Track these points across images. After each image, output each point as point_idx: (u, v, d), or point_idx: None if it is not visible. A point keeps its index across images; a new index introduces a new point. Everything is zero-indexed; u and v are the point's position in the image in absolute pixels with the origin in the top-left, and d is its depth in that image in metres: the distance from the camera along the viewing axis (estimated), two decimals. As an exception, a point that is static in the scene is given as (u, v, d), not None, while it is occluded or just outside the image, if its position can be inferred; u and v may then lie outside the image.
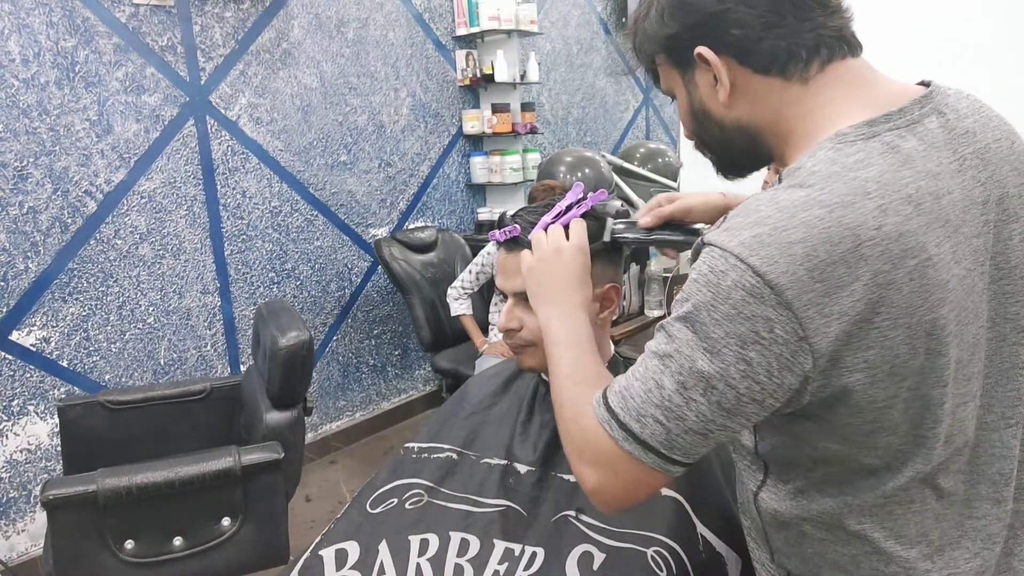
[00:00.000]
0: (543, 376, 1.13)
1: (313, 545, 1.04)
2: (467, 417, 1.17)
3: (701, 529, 0.96)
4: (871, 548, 0.72)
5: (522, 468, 1.05)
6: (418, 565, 0.95)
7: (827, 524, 0.73)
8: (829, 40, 0.69)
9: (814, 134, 0.69)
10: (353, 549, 1.00)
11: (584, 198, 1.03)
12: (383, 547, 0.99)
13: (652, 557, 0.90)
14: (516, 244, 1.02)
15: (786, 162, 0.73)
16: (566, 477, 1.02)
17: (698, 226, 0.94)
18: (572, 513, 0.97)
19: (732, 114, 0.74)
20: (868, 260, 0.60)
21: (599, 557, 0.91)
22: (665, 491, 0.96)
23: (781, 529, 0.77)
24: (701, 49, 0.71)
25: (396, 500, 1.07)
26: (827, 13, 0.69)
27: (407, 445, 1.18)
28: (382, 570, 0.96)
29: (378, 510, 1.06)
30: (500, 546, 0.96)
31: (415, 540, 0.99)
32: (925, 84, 0.71)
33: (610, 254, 1.03)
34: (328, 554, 1.00)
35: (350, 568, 0.97)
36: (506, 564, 0.93)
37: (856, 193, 0.61)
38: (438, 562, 0.95)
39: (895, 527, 0.71)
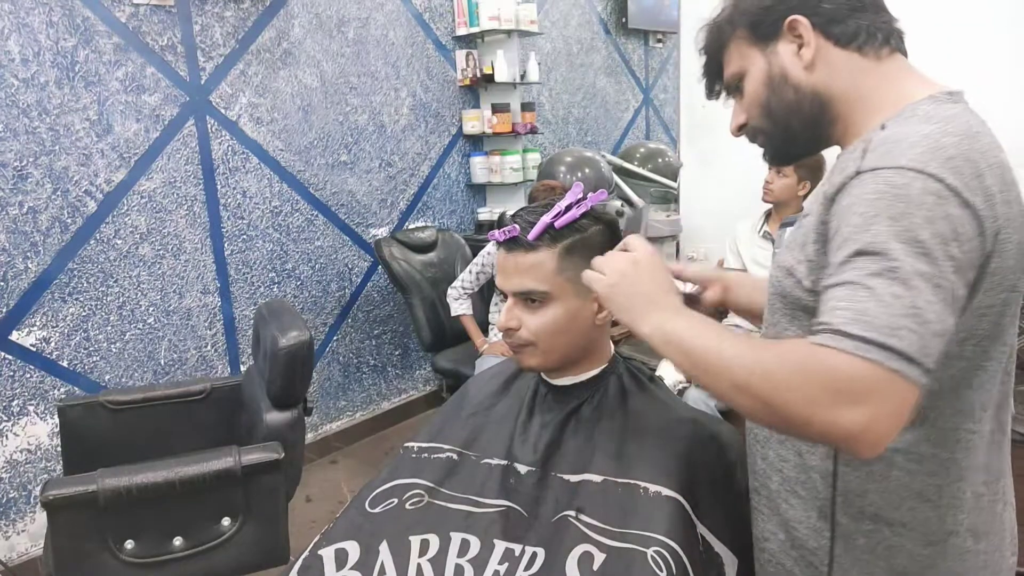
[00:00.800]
0: (543, 376, 1.13)
1: (312, 544, 1.03)
2: (468, 417, 1.17)
3: (701, 529, 0.96)
4: (957, 475, 0.78)
5: (522, 468, 1.05)
6: (419, 566, 0.95)
7: (920, 454, 0.78)
8: (896, 36, 0.82)
9: (896, 99, 0.78)
10: (353, 549, 0.99)
11: (584, 198, 1.03)
12: (383, 547, 0.98)
13: (652, 557, 0.90)
14: (516, 244, 1.02)
15: (848, 133, 0.82)
16: (566, 477, 1.02)
17: (687, 287, 1.04)
18: (572, 513, 0.97)
19: (811, 79, 0.82)
20: (997, 180, 0.70)
21: (599, 557, 0.91)
22: (665, 491, 0.96)
23: (864, 465, 0.80)
24: (796, 16, 0.80)
25: (396, 500, 1.06)
26: (892, 18, 0.83)
27: (407, 444, 1.18)
28: (383, 570, 0.95)
29: (377, 509, 1.06)
30: (500, 546, 0.95)
31: (415, 540, 0.98)
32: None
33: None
34: (328, 554, 1.00)
35: (350, 568, 0.97)
36: (506, 564, 0.93)
37: (972, 131, 0.72)
38: (439, 563, 0.95)
39: (973, 455, 0.78)
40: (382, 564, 0.96)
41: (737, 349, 0.72)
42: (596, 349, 1.09)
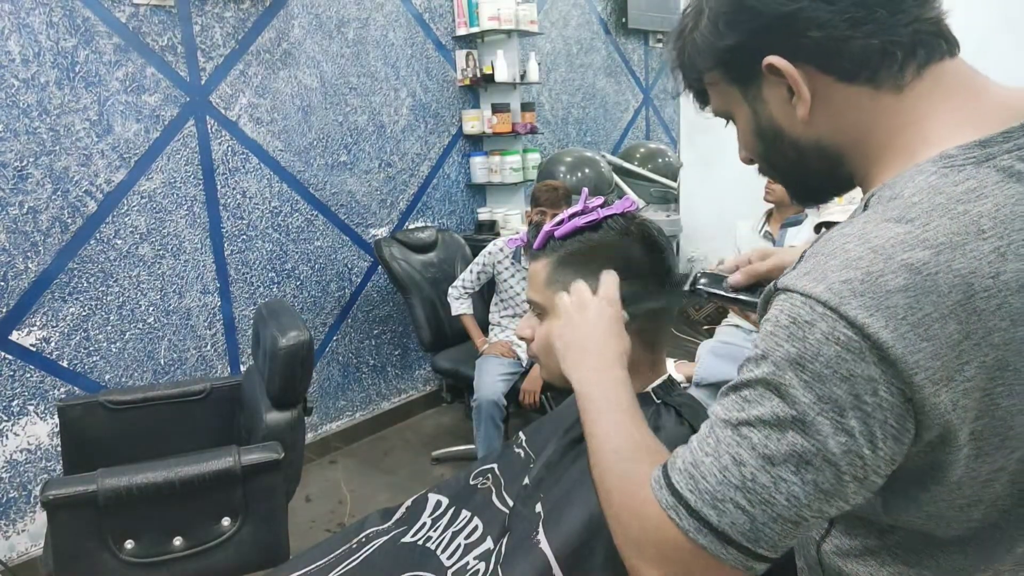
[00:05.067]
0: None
1: (428, 489, 1.20)
2: (550, 420, 1.17)
3: None
4: None
5: (526, 480, 1.04)
6: (450, 533, 1.05)
7: None
8: (927, 37, 0.59)
9: (909, 153, 0.59)
10: (444, 503, 1.13)
11: (596, 207, 0.97)
12: (450, 511, 1.11)
13: None
14: (529, 250, 1.00)
15: (870, 184, 0.63)
16: (537, 507, 0.96)
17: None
18: (506, 536, 0.95)
19: (812, 132, 0.63)
20: (983, 315, 0.51)
21: None
22: (544, 545, 0.86)
23: None
24: (772, 59, 0.60)
25: (480, 479, 1.14)
26: (920, 3, 0.59)
27: (520, 432, 1.19)
28: (437, 527, 1.08)
29: (472, 482, 1.15)
30: (487, 544, 0.98)
31: (462, 513, 1.08)
32: None
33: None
34: (432, 499, 1.15)
35: (432, 517, 1.12)
36: (482, 563, 0.95)
37: (967, 232, 0.51)
38: (456, 535, 1.03)
39: None
40: (438, 524, 1.10)
41: (617, 445, 0.66)
42: None
